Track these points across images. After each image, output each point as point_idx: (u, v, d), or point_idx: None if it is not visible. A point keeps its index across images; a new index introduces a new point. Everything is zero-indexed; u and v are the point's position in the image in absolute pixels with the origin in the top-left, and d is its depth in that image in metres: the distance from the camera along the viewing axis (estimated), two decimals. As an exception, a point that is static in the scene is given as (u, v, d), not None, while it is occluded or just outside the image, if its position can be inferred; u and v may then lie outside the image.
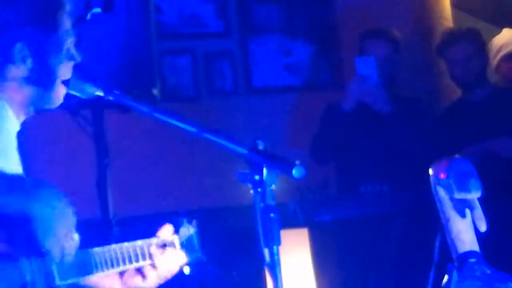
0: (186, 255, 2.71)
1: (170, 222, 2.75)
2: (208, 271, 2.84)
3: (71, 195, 2.38)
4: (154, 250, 2.61)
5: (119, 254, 2.49)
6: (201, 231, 2.81)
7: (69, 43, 2.43)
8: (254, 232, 2.25)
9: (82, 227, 2.45)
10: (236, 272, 3.87)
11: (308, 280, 4.41)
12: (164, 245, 2.66)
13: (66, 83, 2.44)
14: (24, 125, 2.44)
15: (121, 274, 2.58)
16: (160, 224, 2.74)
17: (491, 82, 4.92)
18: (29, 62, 2.37)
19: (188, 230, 2.76)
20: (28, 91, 2.39)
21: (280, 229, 2.25)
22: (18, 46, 2.35)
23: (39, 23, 2.36)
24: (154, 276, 2.61)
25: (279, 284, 2.24)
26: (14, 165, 2.35)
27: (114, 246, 2.49)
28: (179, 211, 2.82)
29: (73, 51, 2.44)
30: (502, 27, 5.36)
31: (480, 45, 4.83)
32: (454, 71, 4.85)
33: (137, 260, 2.56)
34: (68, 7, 2.42)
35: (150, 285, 2.62)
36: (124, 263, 2.51)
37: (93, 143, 4.24)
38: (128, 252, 2.53)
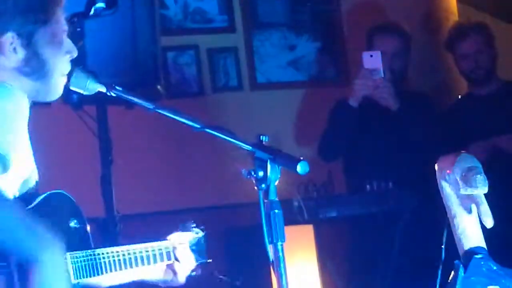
0: (194, 258, 2.73)
1: (179, 225, 2.79)
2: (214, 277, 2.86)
3: (74, 192, 2.38)
4: (180, 249, 2.68)
5: (132, 256, 2.52)
6: (205, 229, 2.83)
7: (63, 36, 2.40)
8: (258, 230, 2.24)
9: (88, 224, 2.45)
10: (241, 279, 3.88)
11: (313, 276, 4.40)
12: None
13: (68, 79, 2.41)
14: None
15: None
16: (165, 221, 2.76)
17: (499, 77, 4.90)
18: (20, 52, 2.33)
19: (196, 233, 2.77)
20: (22, 83, 2.35)
21: (284, 225, 2.24)
22: (8, 36, 2.31)
23: (30, 14, 2.32)
24: (183, 271, 2.68)
25: (284, 280, 2.22)
26: (28, 165, 2.32)
27: (127, 247, 2.52)
28: (185, 209, 2.83)
29: (67, 44, 2.41)
30: (508, 22, 5.35)
31: (489, 39, 4.81)
32: (464, 65, 4.83)
33: (155, 261, 2.61)
34: (62, 0, 2.38)
35: (180, 281, 2.68)
36: (137, 264, 2.54)
37: (96, 139, 4.23)
38: (141, 254, 2.56)
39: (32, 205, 2.23)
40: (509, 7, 5.41)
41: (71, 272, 2.27)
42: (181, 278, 2.69)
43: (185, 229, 2.77)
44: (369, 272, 4.62)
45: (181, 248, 2.70)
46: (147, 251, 2.57)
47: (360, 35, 5.05)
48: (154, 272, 2.66)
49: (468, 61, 4.78)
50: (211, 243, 2.86)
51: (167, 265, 2.67)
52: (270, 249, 2.23)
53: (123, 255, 2.48)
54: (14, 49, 2.32)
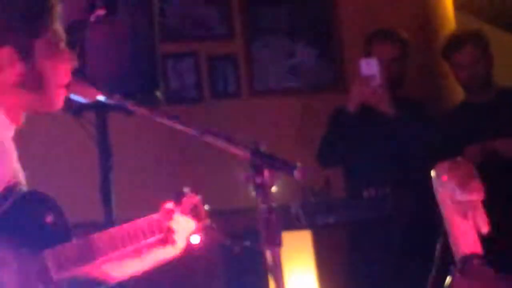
0: (193, 223, 2.70)
1: (173, 194, 2.75)
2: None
3: (74, 197, 2.39)
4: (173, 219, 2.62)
5: (124, 235, 2.48)
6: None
7: (61, 46, 2.39)
8: (255, 235, 2.25)
9: (86, 229, 2.45)
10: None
11: (311, 282, 4.40)
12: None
13: (67, 87, 2.41)
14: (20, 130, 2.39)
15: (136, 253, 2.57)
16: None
17: (495, 84, 4.91)
18: (17, 66, 2.32)
19: (193, 198, 2.76)
20: (20, 97, 2.34)
21: (282, 231, 2.24)
22: (5, 51, 2.30)
23: (26, 27, 2.31)
24: (180, 240, 2.64)
25: (281, 286, 2.23)
26: (8, 176, 2.31)
27: (114, 229, 2.48)
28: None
29: (66, 54, 2.40)
30: (505, 29, 5.36)
31: (484, 47, 4.81)
32: (460, 75, 4.83)
33: (145, 236, 2.56)
34: (58, 9, 2.37)
35: (177, 250, 2.65)
36: (132, 241, 2.50)
37: (96, 145, 4.24)
38: (134, 230, 2.52)
39: (4, 206, 2.22)
40: (506, 14, 5.43)
41: (52, 268, 2.24)
42: (178, 247, 2.65)
43: (178, 195, 2.75)
44: (367, 278, 4.62)
45: (174, 217, 2.65)
46: (134, 229, 2.52)
47: (358, 41, 5.07)
48: (151, 252, 2.60)
49: (464, 71, 4.78)
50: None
51: (164, 237, 2.63)
52: (267, 254, 2.24)
53: (109, 238, 2.43)
54: (12, 63, 2.31)
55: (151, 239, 2.59)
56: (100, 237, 2.41)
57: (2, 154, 2.28)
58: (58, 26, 2.39)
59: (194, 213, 2.74)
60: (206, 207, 2.82)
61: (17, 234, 2.19)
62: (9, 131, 2.36)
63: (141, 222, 2.57)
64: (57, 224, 2.32)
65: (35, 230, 2.24)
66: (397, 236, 4.53)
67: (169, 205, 2.69)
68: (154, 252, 2.61)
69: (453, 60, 4.85)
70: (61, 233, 2.32)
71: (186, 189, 2.77)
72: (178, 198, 2.73)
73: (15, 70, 2.32)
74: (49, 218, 2.31)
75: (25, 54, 2.32)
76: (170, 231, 2.63)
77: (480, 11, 5.63)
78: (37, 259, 2.22)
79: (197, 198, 2.77)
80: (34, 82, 2.34)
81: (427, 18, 5.82)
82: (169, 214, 2.67)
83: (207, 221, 2.77)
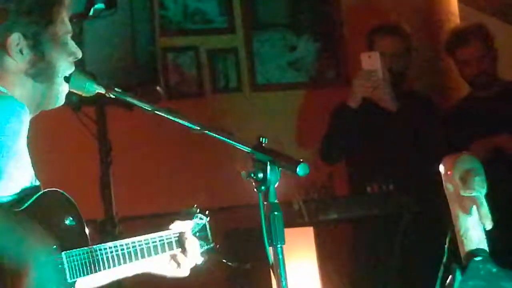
0: (199, 245, 2.70)
1: (181, 212, 2.75)
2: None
3: (73, 193, 2.36)
4: (184, 237, 2.63)
5: (132, 249, 2.47)
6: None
7: (67, 37, 2.37)
8: (258, 232, 2.23)
9: (86, 225, 2.43)
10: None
11: (313, 279, 4.38)
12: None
13: (67, 81, 2.39)
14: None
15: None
16: (164, 223, 2.73)
17: (500, 77, 4.88)
18: (27, 54, 2.30)
19: (200, 220, 2.74)
20: (29, 86, 2.32)
21: (284, 227, 2.22)
22: (15, 37, 2.28)
23: (35, 14, 2.29)
24: (187, 263, 2.63)
25: (284, 283, 2.21)
26: (26, 173, 2.29)
27: (126, 241, 2.47)
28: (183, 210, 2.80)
29: (72, 46, 2.38)
30: (509, 22, 5.33)
31: (489, 41, 4.78)
32: (466, 71, 4.80)
33: (156, 253, 2.56)
34: (66, 1, 2.35)
35: (184, 273, 2.65)
36: (137, 257, 2.49)
37: (95, 140, 4.22)
38: (142, 246, 2.51)
39: (24, 206, 2.19)
40: (509, 6, 5.40)
41: (67, 271, 2.24)
42: (186, 269, 2.65)
43: (188, 215, 2.74)
44: (370, 275, 4.60)
45: (184, 237, 2.65)
46: (147, 243, 2.52)
47: (360, 36, 5.04)
48: (158, 264, 2.61)
49: (470, 67, 4.75)
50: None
51: (171, 256, 2.63)
52: (270, 251, 2.22)
53: (123, 249, 2.43)
54: (21, 50, 2.29)
55: (159, 254, 2.59)
56: (113, 247, 2.40)
57: (19, 156, 2.24)
58: (67, 18, 2.37)
59: (201, 234, 2.74)
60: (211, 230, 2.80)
61: (35, 235, 2.16)
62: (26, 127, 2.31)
63: (153, 237, 2.57)
64: (75, 227, 2.32)
65: (54, 233, 2.21)
66: (400, 232, 4.51)
67: (181, 224, 2.68)
68: (159, 269, 2.63)
69: (457, 55, 4.82)
70: (78, 235, 2.32)
71: (196, 209, 2.76)
72: (188, 217, 2.72)
73: (24, 58, 2.30)
74: (68, 220, 2.30)
75: (34, 42, 2.30)
76: (184, 250, 2.64)
77: (484, 4, 5.59)
78: (53, 261, 2.20)
79: (205, 219, 2.76)
80: (42, 71, 2.32)
81: (431, 12, 5.79)
82: (183, 233, 2.66)
83: (212, 243, 2.77)
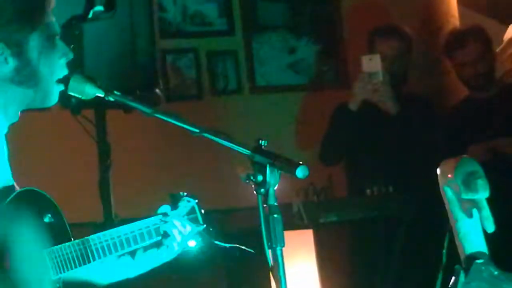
0: (190, 226, 2.68)
1: (170, 198, 2.71)
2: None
3: (73, 196, 2.36)
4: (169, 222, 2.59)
5: (122, 237, 2.46)
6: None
7: (55, 39, 2.37)
8: (257, 234, 2.22)
9: (85, 228, 2.43)
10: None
11: (313, 281, 4.38)
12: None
13: (64, 82, 2.39)
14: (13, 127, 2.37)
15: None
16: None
17: (498, 80, 4.87)
18: (11, 62, 2.30)
19: (189, 202, 2.72)
20: (15, 92, 2.32)
21: (284, 230, 2.22)
22: None
23: (15, 24, 2.28)
24: (175, 245, 2.60)
25: (283, 286, 2.21)
26: (1, 173, 2.29)
27: (113, 231, 2.46)
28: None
29: (61, 47, 2.38)
30: (508, 24, 5.31)
31: (487, 43, 4.78)
32: (463, 73, 4.80)
33: (143, 240, 2.54)
34: (50, 3, 2.35)
35: (172, 254, 2.62)
36: (130, 244, 2.49)
37: (95, 143, 4.21)
38: (133, 233, 2.50)
39: (0, 205, 2.19)
40: (509, 9, 5.39)
41: (51, 268, 2.24)
42: (174, 251, 2.61)
43: (175, 199, 2.73)
44: (370, 277, 4.60)
45: (170, 221, 2.61)
46: (132, 232, 2.50)
47: (361, 38, 5.04)
48: (146, 255, 2.58)
49: (467, 68, 4.75)
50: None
51: (159, 241, 2.60)
52: (269, 254, 2.21)
53: (107, 240, 2.42)
54: (5, 59, 2.30)
55: (147, 242, 2.56)
56: (97, 238, 2.39)
57: None
58: (52, 20, 2.36)
59: (191, 217, 2.71)
60: (203, 210, 2.77)
61: (15, 233, 2.17)
62: (3, 129, 2.34)
63: (138, 225, 2.54)
64: (55, 224, 2.31)
65: (34, 229, 2.22)
66: (399, 234, 4.51)
67: (165, 208, 2.65)
68: (149, 255, 2.59)
69: (455, 57, 4.81)
70: (59, 232, 2.31)
71: (183, 194, 2.73)
72: (174, 201, 2.69)
73: (8, 66, 2.30)
74: (47, 217, 2.29)
75: (19, 49, 2.30)
76: (165, 235, 2.59)
77: (484, 6, 5.59)
78: (36, 258, 2.20)
79: (194, 202, 2.73)
80: (29, 77, 2.33)
81: (430, 14, 5.79)
82: (165, 217, 2.63)
83: (203, 225, 2.73)
